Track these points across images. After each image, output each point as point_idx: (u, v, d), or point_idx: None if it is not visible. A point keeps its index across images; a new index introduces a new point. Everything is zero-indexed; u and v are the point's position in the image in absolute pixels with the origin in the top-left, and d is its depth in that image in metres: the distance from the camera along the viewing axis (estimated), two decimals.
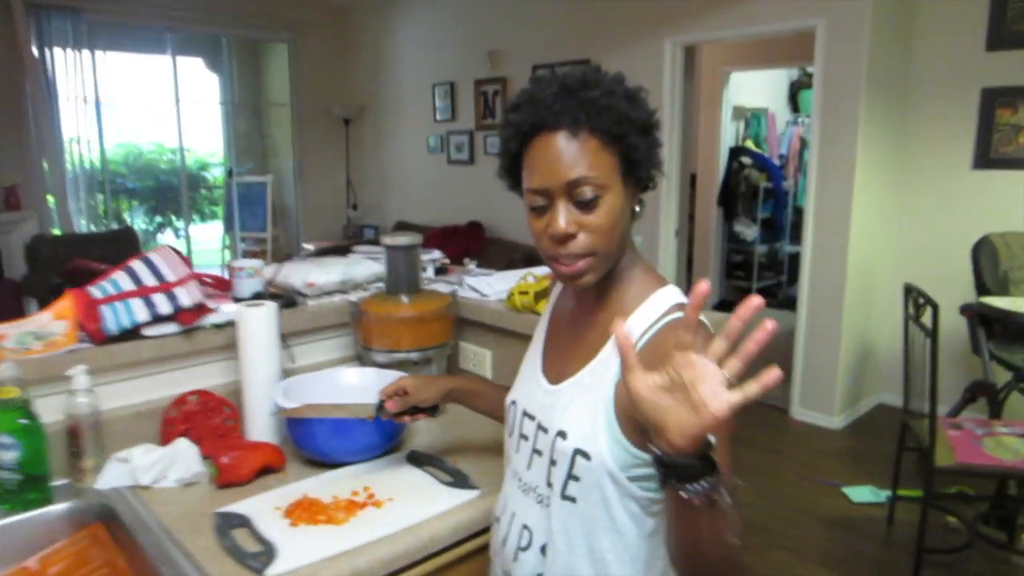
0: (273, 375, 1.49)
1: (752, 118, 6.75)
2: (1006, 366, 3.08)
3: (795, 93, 7.08)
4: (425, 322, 1.60)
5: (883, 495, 3.26)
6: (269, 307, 1.48)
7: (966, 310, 3.31)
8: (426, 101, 6.40)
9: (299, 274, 1.76)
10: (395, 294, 1.64)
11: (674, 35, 4.53)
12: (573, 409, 0.97)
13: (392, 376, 1.49)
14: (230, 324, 1.56)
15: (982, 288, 3.40)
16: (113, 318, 1.42)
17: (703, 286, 0.71)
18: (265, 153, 7.60)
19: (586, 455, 0.93)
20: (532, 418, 1.05)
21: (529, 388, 1.10)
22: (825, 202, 3.97)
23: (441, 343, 1.65)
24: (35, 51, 5.50)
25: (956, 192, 4.01)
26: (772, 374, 0.66)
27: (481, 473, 1.36)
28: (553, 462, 0.98)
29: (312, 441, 1.37)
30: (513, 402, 1.13)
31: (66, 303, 1.43)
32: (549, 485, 1.00)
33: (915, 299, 2.80)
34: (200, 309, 1.52)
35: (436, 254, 2.08)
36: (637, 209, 0.99)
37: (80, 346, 1.40)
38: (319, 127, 7.12)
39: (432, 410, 1.32)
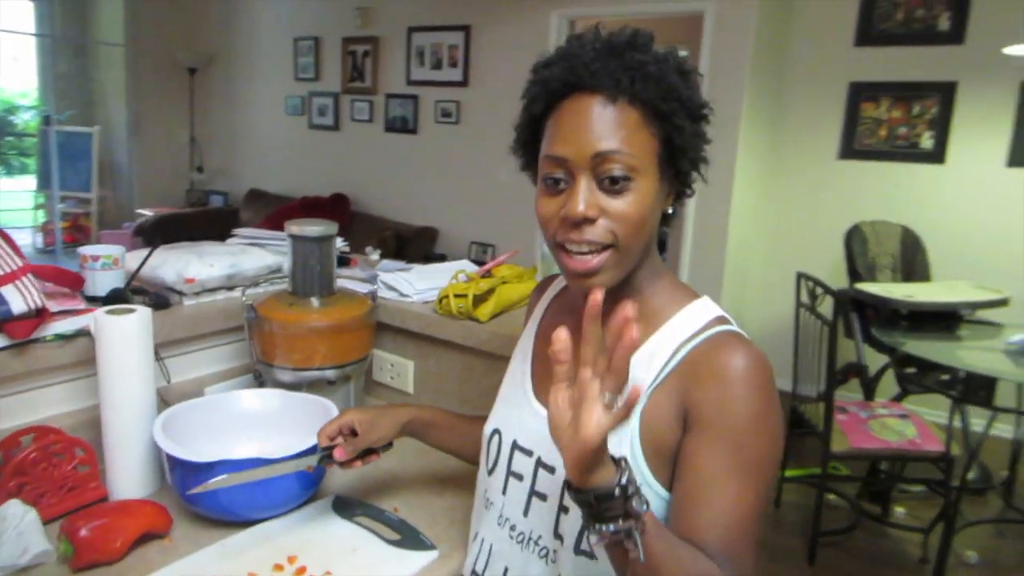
0: (146, 403, 1.15)
1: None
2: (879, 348, 3.20)
3: None
4: (344, 332, 1.31)
5: None
6: (141, 314, 1.13)
7: (840, 296, 3.43)
8: (286, 56, 5.83)
9: (172, 265, 1.40)
10: (303, 296, 1.33)
11: (560, 8, 4.35)
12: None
13: (319, 407, 1.20)
14: (82, 334, 1.20)
15: (854, 274, 3.52)
16: None
17: (597, 296, 0.63)
18: (92, 100, 6.65)
19: None
20: (528, 453, 0.87)
21: (519, 416, 0.90)
22: (706, 188, 3.96)
23: (362, 357, 1.36)
24: None
25: (824, 181, 4.15)
26: (634, 391, 0.59)
27: (430, 523, 1.11)
28: (564, 509, 0.82)
29: (211, 496, 1.05)
30: (496, 431, 0.93)
31: None
32: (558, 537, 0.82)
33: (811, 288, 2.84)
34: (39, 315, 1.14)
35: (339, 242, 1.76)
36: (670, 211, 0.82)
37: None
38: (159, 75, 6.26)
39: (386, 447, 1.06)
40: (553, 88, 0.77)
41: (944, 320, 3.05)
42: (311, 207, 5.15)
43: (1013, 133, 3.61)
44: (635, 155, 0.75)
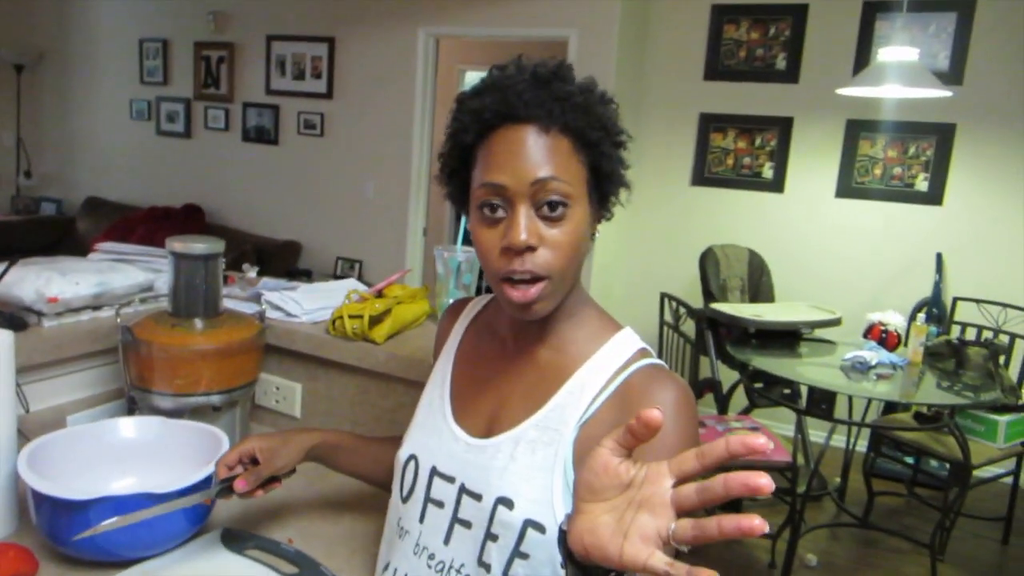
0: (5, 433, 1.03)
1: None
2: (731, 364, 3.42)
3: None
4: (231, 355, 1.24)
5: None
6: (2, 337, 1.02)
7: (696, 315, 3.65)
8: (130, 58, 5.44)
9: (32, 283, 1.26)
10: (186, 317, 1.24)
11: (427, 25, 4.37)
12: (517, 470, 0.80)
13: (205, 435, 1.12)
14: None
15: (708, 295, 3.75)
16: None
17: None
18: None
19: (540, 527, 0.77)
20: (449, 480, 0.86)
21: (438, 441, 0.89)
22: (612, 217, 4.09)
23: (250, 381, 1.29)
24: None
25: (679, 206, 4.39)
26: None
27: (329, 553, 1.07)
28: (492, 536, 0.80)
29: (86, 537, 0.95)
30: (412, 457, 0.91)
31: None
32: (483, 565, 0.81)
33: (675, 308, 3.00)
34: None
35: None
36: (595, 235, 0.85)
37: None
38: None
39: (289, 473, 1.01)
40: (486, 119, 0.78)
41: (787, 338, 3.30)
42: (161, 217, 4.82)
43: (840, 166, 3.99)
44: (569, 182, 0.77)
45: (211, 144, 5.22)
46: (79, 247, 5.00)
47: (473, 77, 6.34)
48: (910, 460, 3.46)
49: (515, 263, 0.76)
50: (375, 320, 1.36)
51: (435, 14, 4.34)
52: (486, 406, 0.88)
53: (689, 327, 2.91)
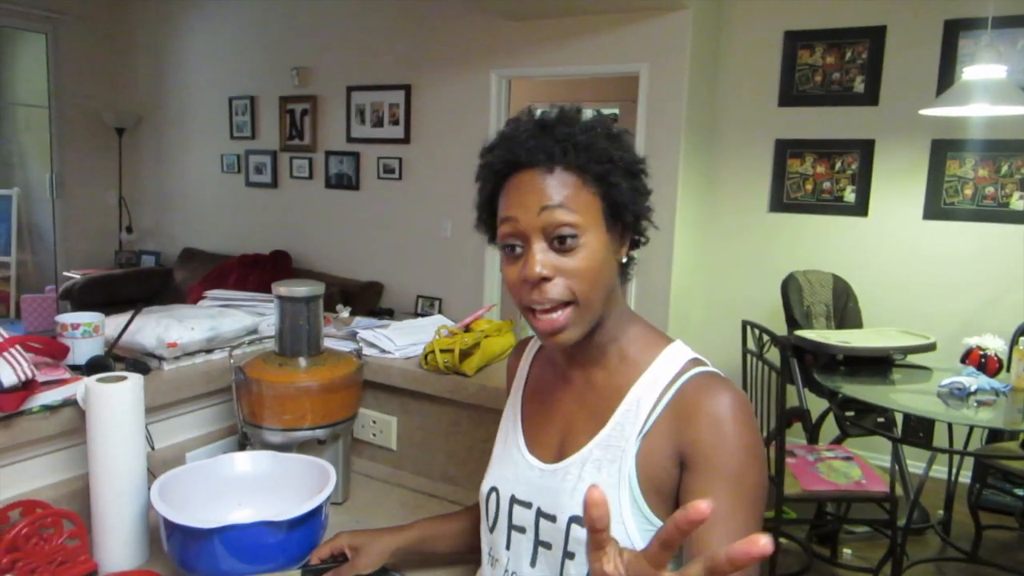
0: (137, 471, 1.12)
1: None
2: (819, 393, 3.33)
3: None
4: (333, 392, 1.30)
5: None
6: (134, 381, 1.11)
7: (778, 342, 3.56)
8: (221, 115, 5.77)
9: (152, 330, 1.37)
10: (291, 356, 1.32)
11: (500, 68, 4.49)
12: (585, 489, 0.81)
13: (313, 468, 1.19)
14: (68, 404, 1.16)
15: (792, 321, 3.67)
16: None
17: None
18: (11, 162, 6.41)
19: (616, 544, 0.78)
20: (527, 505, 0.90)
21: (514, 471, 0.94)
22: (648, 240, 4.08)
23: (351, 415, 1.36)
24: None
25: (758, 233, 4.33)
26: None
27: None
28: (570, 555, 0.85)
29: (211, 563, 1.02)
30: (493, 489, 0.95)
31: None
32: None
33: (757, 335, 2.95)
34: (28, 387, 1.10)
35: None
36: (625, 260, 0.89)
37: None
38: (85, 136, 6.09)
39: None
40: (498, 169, 0.85)
41: (878, 365, 3.19)
42: (251, 264, 5.06)
43: (927, 188, 3.86)
44: (578, 212, 0.81)
45: (296, 192, 5.47)
46: (177, 296, 5.29)
47: None
48: (1021, 492, 3.27)
49: (535, 294, 0.82)
50: (465, 353, 1.41)
51: (507, 56, 4.46)
52: (554, 433, 0.92)
53: (773, 355, 2.85)
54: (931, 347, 3.10)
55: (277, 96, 5.45)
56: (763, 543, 0.48)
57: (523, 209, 0.82)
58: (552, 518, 0.86)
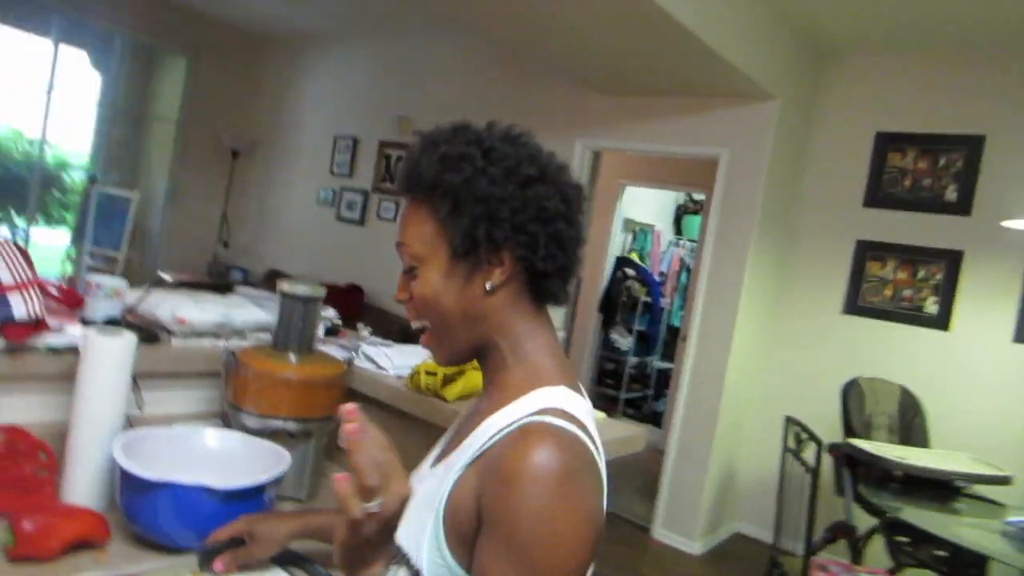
0: (114, 422, 1.20)
1: (640, 232, 6.95)
2: (869, 509, 3.13)
3: (679, 216, 7.40)
4: (313, 388, 1.36)
5: None
6: (127, 338, 1.20)
7: (833, 450, 3.38)
8: (324, 152, 6.16)
9: (168, 305, 1.48)
10: (282, 350, 1.39)
11: (585, 138, 4.60)
12: (413, 503, 0.79)
13: (273, 454, 1.23)
14: (71, 350, 1.26)
15: (849, 429, 3.49)
16: None
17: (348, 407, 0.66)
18: (137, 167, 7.00)
19: (406, 560, 0.80)
20: None
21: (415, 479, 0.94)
22: (709, 325, 4.03)
23: (326, 416, 1.41)
24: None
25: (826, 333, 4.18)
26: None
27: None
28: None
29: (151, 516, 1.08)
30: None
31: None
32: None
33: (796, 433, 2.82)
34: (37, 325, 1.21)
35: (331, 312, 1.85)
36: (488, 287, 0.85)
37: None
38: (204, 153, 6.63)
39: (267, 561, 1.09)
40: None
41: (937, 489, 2.96)
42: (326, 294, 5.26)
43: (1020, 309, 3.62)
44: (415, 245, 0.86)
45: (380, 232, 5.70)
46: None
47: (633, 192, 6.47)
48: None
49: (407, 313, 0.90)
50: (448, 379, 1.44)
51: (594, 128, 4.57)
52: (442, 445, 0.95)
53: (809, 454, 2.72)
54: (1005, 480, 2.83)
55: (377, 140, 5.75)
56: None
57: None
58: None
